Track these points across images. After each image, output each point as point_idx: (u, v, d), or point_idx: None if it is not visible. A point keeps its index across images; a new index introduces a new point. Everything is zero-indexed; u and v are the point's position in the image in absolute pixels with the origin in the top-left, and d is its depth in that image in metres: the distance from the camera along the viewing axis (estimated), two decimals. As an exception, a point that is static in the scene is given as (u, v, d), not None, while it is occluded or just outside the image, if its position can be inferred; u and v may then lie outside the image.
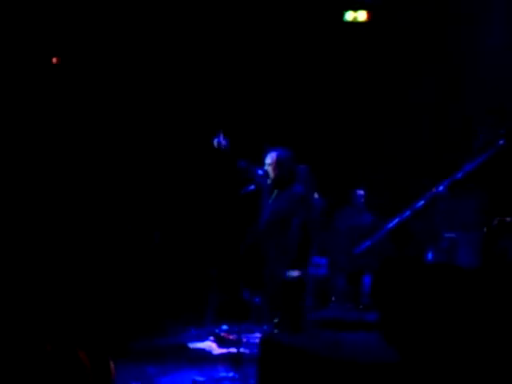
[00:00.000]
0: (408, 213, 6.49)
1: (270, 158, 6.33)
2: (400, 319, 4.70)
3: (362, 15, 9.58)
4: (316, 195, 7.55)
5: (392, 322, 4.78)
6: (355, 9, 9.63)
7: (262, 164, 6.47)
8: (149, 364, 6.90)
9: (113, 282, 8.58)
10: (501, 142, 6.39)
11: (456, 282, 4.65)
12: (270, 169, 6.32)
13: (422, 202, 6.50)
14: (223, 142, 6.31)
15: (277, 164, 6.32)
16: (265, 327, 6.87)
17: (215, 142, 6.39)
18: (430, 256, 7.55)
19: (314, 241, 6.98)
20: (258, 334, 7.41)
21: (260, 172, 6.41)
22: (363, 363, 4.35)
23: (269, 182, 6.37)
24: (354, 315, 8.47)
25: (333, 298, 8.97)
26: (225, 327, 8.24)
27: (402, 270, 4.95)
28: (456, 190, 6.82)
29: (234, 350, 7.10)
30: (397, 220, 6.48)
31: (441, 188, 6.63)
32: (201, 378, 6.57)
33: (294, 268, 6.08)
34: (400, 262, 5.50)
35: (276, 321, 6.24)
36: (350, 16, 9.60)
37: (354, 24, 9.74)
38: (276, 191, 6.31)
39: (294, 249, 6.20)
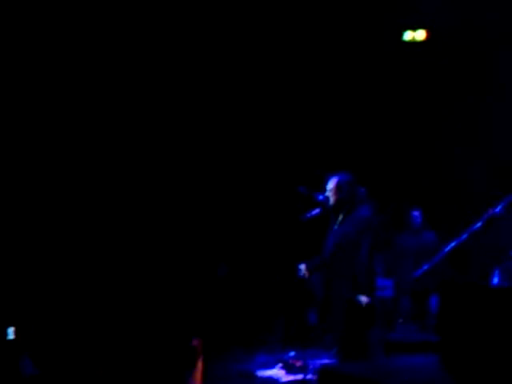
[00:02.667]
0: (465, 235, 6.35)
1: (331, 183, 6.19)
2: (461, 347, 4.55)
3: (420, 34, 9.33)
4: (378, 218, 7.23)
5: (453, 349, 4.61)
6: (414, 28, 9.36)
7: (323, 190, 6.29)
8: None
9: (180, 309, 8.40)
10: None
11: None
12: (330, 194, 6.18)
13: (480, 224, 6.16)
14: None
15: (337, 188, 6.18)
16: (331, 353, 6.52)
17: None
18: (496, 278, 7.21)
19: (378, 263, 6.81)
20: (325, 360, 7.22)
21: (321, 197, 6.24)
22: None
23: (330, 205, 6.18)
24: (421, 337, 8.07)
25: (399, 320, 8.73)
26: (292, 353, 7.98)
27: (465, 295, 4.73)
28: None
29: (301, 376, 6.96)
30: (454, 243, 6.31)
31: (498, 209, 6.28)
32: None
33: (363, 293, 5.87)
34: (464, 288, 5.02)
35: (336, 349, 6.08)
36: (408, 36, 9.36)
37: (413, 44, 9.49)
38: (341, 216, 6.15)
39: (362, 273, 5.98)
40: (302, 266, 6.34)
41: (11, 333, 6.73)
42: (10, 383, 6.47)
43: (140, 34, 9.42)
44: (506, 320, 4.35)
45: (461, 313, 4.71)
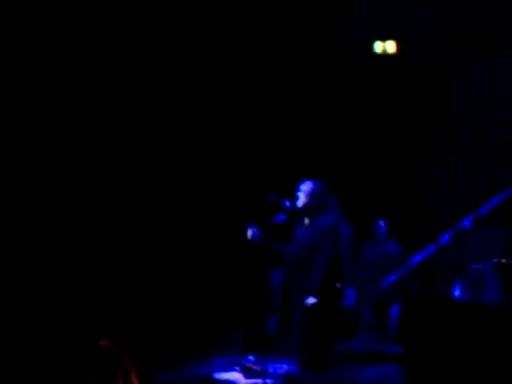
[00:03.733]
0: (433, 248, 6.56)
1: (305, 186, 6.37)
2: (424, 357, 4.73)
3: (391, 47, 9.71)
4: (346, 226, 7.33)
5: (416, 359, 4.82)
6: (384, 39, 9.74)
7: (291, 198, 6.48)
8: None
9: (137, 312, 8.54)
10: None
11: (481, 321, 4.73)
12: (302, 196, 6.34)
13: (447, 237, 6.56)
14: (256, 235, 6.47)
15: (310, 193, 6.36)
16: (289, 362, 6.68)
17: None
18: (457, 291, 7.16)
19: (345, 271, 6.79)
20: (284, 365, 7.20)
21: (288, 204, 6.37)
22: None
23: (298, 208, 6.36)
24: (380, 347, 8.32)
25: (359, 330, 8.90)
26: (251, 358, 8.07)
27: (428, 308, 5.02)
28: (482, 223, 6.81)
29: (259, 381, 7.06)
30: (421, 256, 6.57)
31: (466, 222, 6.63)
32: None
33: (314, 296, 6.00)
34: (426, 301, 5.45)
35: (300, 358, 6.13)
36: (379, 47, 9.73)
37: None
38: (307, 220, 6.32)
39: (316, 278, 6.11)
40: (252, 231, 6.42)
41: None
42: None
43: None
44: (465, 333, 4.65)
45: (423, 324, 4.92)
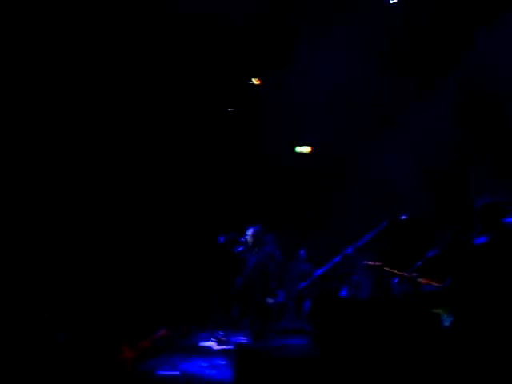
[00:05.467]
0: (330, 264, 8.16)
1: (250, 231, 8.52)
2: (325, 331, 5.89)
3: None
4: (278, 252, 9.23)
5: (320, 333, 5.98)
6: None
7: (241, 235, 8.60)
8: (172, 356, 8.66)
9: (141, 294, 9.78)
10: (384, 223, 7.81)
11: (356, 309, 5.93)
12: (249, 237, 8.52)
13: (338, 259, 8.07)
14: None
15: (253, 235, 8.49)
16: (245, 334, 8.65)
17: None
18: (344, 291, 9.31)
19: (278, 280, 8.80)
20: (241, 338, 9.33)
21: (240, 248, 8.64)
22: (298, 358, 5.51)
23: (249, 244, 8.47)
24: (298, 325, 9.96)
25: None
26: (221, 333, 10.20)
27: (327, 302, 6.31)
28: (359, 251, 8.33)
29: (226, 346, 9.27)
30: (323, 269, 8.26)
31: (349, 250, 8.14)
32: (205, 364, 8.58)
33: (271, 297, 8.35)
34: (326, 298, 6.89)
35: (252, 331, 8.29)
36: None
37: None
38: (255, 250, 8.43)
39: (272, 284, 8.38)
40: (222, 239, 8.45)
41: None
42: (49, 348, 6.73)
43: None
44: (349, 317, 5.76)
45: (324, 312, 6.10)
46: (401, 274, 7.60)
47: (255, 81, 11.22)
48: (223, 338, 9.93)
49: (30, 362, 6.07)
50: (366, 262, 8.34)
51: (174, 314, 9.84)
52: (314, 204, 12.18)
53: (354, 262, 8.80)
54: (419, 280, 7.32)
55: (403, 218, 7.54)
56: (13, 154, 8.63)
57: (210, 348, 9.82)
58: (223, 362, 8.75)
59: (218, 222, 10.46)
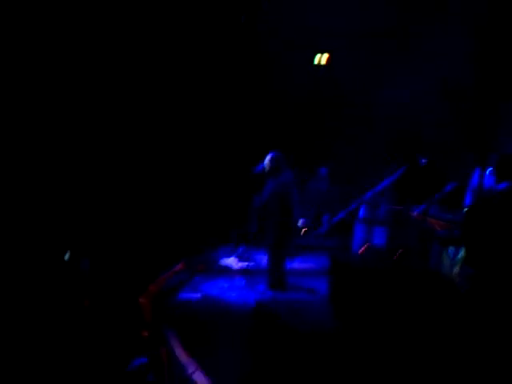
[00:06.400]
0: (354, 206, 9.12)
1: (268, 157, 8.63)
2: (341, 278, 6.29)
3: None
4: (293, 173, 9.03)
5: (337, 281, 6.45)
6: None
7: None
8: (194, 276, 8.88)
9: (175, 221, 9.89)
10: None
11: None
12: (267, 163, 8.58)
13: (356, 205, 8.92)
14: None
15: (271, 161, 8.60)
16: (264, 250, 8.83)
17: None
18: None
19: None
20: (261, 254, 9.62)
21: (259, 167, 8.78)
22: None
23: (267, 169, 8.55)
24: (318, 242, 11.12)
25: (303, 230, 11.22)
26: (241, 249, 10.35)
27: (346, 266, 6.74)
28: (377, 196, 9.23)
29: (246, 263, 9.48)
30: (341, 214, 9.11)
31: (368, 195, 9.08)
32: (226, 285, 8.80)
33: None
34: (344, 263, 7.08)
35: (268, 248, 8.53)
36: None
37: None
38: (273, 176, 8.54)
39: (297, 208, 8.70)
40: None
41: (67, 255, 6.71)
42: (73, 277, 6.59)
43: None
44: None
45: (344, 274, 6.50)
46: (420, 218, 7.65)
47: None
48: (243, 255, 10.07)
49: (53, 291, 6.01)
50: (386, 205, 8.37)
51: (195, 233, 10.05)
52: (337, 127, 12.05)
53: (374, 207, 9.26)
54: (430, 221, 7.37)
55: (422, 161, 7.48)
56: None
57: (230, 267, 10.04)
58: (243, 283, 9.03)
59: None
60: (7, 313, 5.05)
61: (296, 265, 10.11)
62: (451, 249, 7.10)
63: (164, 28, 10.15)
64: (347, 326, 5.30)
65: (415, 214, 8.09)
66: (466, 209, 7.24)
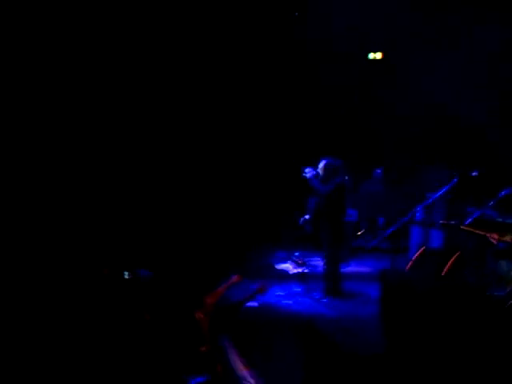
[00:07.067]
0: (399, 224, 8.69)
1: (321, 164, 8.72)
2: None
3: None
4: (347, 178, 9.11)
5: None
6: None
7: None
8: (252, 280, 8.25)
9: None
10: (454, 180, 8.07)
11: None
12: (321, 170, 8.67)
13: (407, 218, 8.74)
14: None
15: (325, 167, 8.70)
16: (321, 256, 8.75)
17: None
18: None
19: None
20: (317, 259, 9.47)
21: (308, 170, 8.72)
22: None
23: (321, 176, 8.63)
24: (373, 243, 10.95)
25: (359, 232, 11.41)
26: (297, 254, 10.24)
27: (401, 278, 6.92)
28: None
29: (302, 268, 9.43)
30: (392, 228, 8.83)
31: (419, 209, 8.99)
32: (282, 293, 8.83)
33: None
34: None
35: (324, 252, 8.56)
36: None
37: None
38: (327, 181, 8.59)
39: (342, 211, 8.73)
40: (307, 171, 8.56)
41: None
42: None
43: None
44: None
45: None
46: (475, 231, 7.54)
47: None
48: (299, 260, 10.05)
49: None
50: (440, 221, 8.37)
51: (250, 238, 10.16)
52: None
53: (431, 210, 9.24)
54: (491, 236, 7.26)
55: (474, 174, 7.38)
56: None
57: (286, 272, 10.03)
58: (299, 289, 9.04)
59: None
60: (65, 326, 5.03)
61: (351, 268, 10.11)
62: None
63: (210, 25, 10.33)
64: (398, 349, 5.16)
65: (470, 220, 7.94)
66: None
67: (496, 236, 7.15)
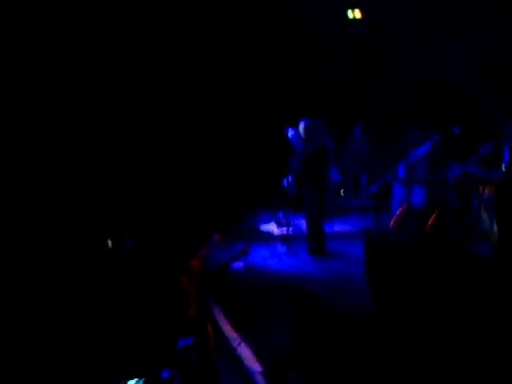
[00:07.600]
0: (382, 181, 8.98)
1: (301, 125, 8.66)
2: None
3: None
4: (329, 140, 9.08)
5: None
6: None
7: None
8: (237, 241, 9.12)
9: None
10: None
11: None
12: (301, 130, 8.64)
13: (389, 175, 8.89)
14: None
15: (305, 128, 8.63)
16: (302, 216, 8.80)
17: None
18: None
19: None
20: (300, 219, 9.33)
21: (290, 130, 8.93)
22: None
23: (302, 136, 8.62)
24: (356, 202, 11.14)
25: (342, 191, 11.40)
26: (280, 214, 10.23)
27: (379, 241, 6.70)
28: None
29: (285, 229, 9.32)
30: (374, 186, 8.95)
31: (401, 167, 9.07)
32: (267, 253, 8.89)
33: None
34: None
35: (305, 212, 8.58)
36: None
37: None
38: (308, 141, 8.58)
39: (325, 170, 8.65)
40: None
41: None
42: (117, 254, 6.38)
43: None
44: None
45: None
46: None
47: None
48: (284, 221, 9.92)
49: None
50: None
51: (235, 198, 10.12)
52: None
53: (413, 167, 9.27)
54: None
55: (455, 131, 7.36)
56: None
57: (271, 233, 10.06)
58: (283, 249, 9.08)
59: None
60: (51, 295, 5.10)
61: (335, 227, 10.11)
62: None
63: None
64: (385, 309, 5.18)
65: (454, 173, 8.05)
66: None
67: (488, 189, 7.16)
